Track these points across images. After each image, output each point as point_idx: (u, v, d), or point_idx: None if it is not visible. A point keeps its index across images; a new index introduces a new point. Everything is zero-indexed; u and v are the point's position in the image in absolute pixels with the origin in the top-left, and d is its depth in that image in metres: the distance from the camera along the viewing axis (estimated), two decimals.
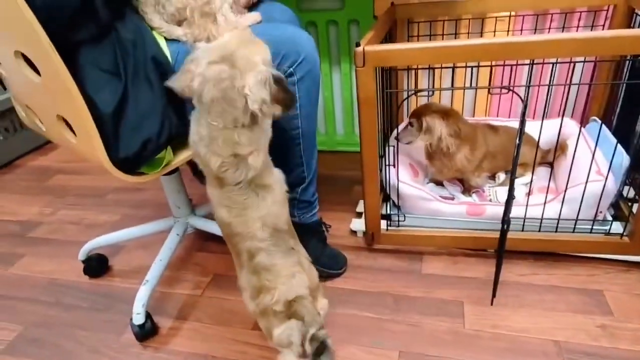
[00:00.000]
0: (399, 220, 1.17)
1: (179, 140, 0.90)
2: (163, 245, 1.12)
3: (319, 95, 1.01)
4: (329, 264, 1.13)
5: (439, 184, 1.34)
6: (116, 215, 1.50)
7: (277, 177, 0.76)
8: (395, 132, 1.21)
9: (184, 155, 0.90)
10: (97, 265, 1.22)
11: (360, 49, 0.92)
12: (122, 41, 0.77)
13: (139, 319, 0.98)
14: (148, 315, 1.00)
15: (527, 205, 1.07)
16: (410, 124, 1.17)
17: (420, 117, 1.14)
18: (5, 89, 0.94)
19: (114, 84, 0.76)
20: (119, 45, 0.76)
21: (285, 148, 1.00)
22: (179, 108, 0.85)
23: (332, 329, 0.98)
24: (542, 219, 1.08)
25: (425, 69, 1.39)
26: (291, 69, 0.92)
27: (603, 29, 1.28)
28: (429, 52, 0.90)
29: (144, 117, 0.78)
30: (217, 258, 1.25)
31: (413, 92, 1.00)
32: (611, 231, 1.06)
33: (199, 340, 1.00)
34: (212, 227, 1.19)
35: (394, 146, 1.10)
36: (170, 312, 1.08)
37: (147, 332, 0.99)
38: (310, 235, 1.10)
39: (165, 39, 0.86)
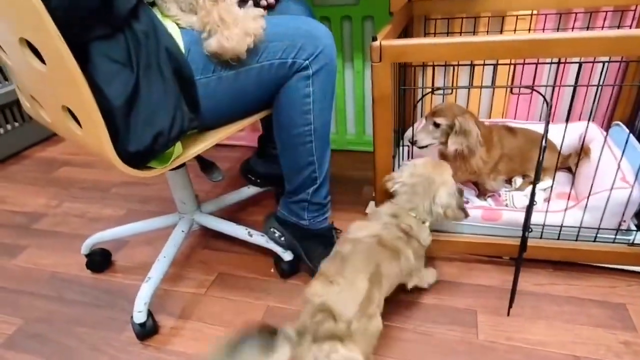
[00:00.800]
0: None
1: (191, 134, 0.87)
2: (167, 241, 1.09)
3: (334, 91, 0.97)
4: None
5: None
6: (121, 209, 1.48)
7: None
8: (409, 132, 1.17)
9: (193, 150, 0.86)
10: (100, 260, 1.20)
11: (377, 43, 0.88)
12: (134, 32, 0.74)
13: (140, 317, 0.95)
14: (149, 314, 0.98)
15: (546, 212, 1.02)
16: (435, 124, 1.09)
17: (452, 118, 1.07)
18: (6, 79, 0.91)
19: (126, 75, 0.73)
20: (131, 36, 0.74)
21: (295, 145, 0.96)
22: (192, 100, 0.82)
23: None
24: (561, 227, 1.03)
25: (442, 66, 1.35)
26: (307, 62, 0.88)
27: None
28: (450, 48, 0.85)
29: (156, 110, 0.75)
30: (223, 256, 1.22)
31: (430, 90, 0.96)
32: (635, 242, 1.01)
33: (201, 340, 0.96)
34: (218, 225, 1.17)
35: (408, 146, 1.06)
36: (172, 311, 1.05)
37: (148, 331, 0.97)
38: (319, 242, 1.06)
39: (180, 28, 0.83)
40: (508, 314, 0.96)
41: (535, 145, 1.19)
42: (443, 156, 1.19)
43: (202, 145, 0.87)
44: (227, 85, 0.85)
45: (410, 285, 0.96)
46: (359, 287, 0.75)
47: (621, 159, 0.99)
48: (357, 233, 0.85)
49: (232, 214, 1.38)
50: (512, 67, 1.33)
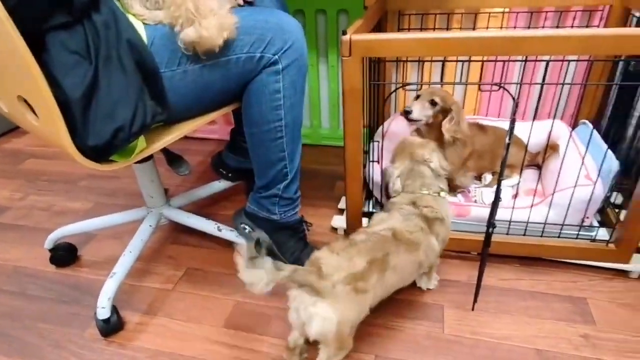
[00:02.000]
0: None
1: (156, 126, 0.85)
2: (134, 236, 1.06)
3: (305, 87, 0.96)
4: None
5: None
6: (89, 203, 1.44)
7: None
8: (379, 130, 1.17)
9: (158, 143, 0.84)
10: (65, 255, 1.17)
11: (347, 37, 0.87)
12: (93, 23, 0.71)
13: (103, 313, 0.93)
14: (114, 310, 0.95)
15: (513, 208, 1.04)
16: (432, 102, 1.10)
17: (449, 102, 1.10)
18: None
19: (84, 67, 0.70)
20: (90, 26, 0.71)
21: (266, 141, 0.95)
22: (157, 93, 0.79)
23: None
24: (527, 223, 1.05)
25: (415, 61, 1.35)
26: (276, 57, 0.87)
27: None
28: (420, 43, 0.85)
29: (117, 103, 0.73)
30: (192, 251, 1.20)
31: (400, 85, 0.96)
32: (597, 237, 1.04)
33: (167, 337, 0.95)
34: (187, 219, 1.15)
35: (378, 142, 1.06)
36: (138, 307, 1.03)
37: (112, 327, 0.94)
38: (289, 235, 1.06)
39: (145, 24, 0.80)
40: (473, 309, 0.97)
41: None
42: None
43: (167, 138, 0.85)
44: (192, 79, 0.83)
45: (424, 286, 1.03)
46: (355, 263, 0.76)
47: (584, 156, 1.02)
48: (376, 227, 0.86)
49: (202, 208, 1.36)
50: (483, 64, 1.34)
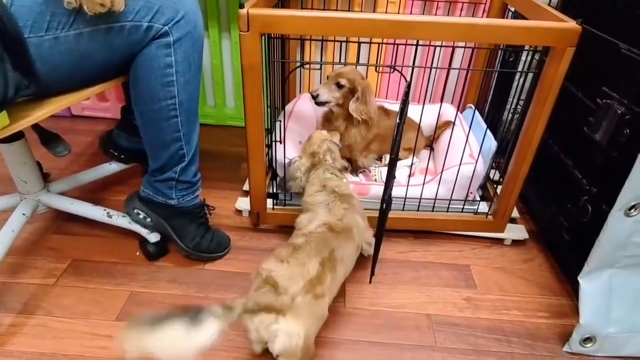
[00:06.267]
0: (285, 199, 1.13)
1: (22, 101, 0.74)
2: (3, 226, 0.93)
3: (201, 62, 0.90)
4: (210, 248, 1.05)
5: None
6: None
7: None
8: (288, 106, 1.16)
9: (24, 120, 0.74)
10: None
11: (244, 10, 0.84)
12: None
13: None
14: None
15: (407, 186, 1.10)
16: (338, 85, 1.10)
17: (354, 82, 1.10)
18: None
19: None
20: None
21: (158, 120, 0.89)
22: (23, 63, 0.69)
23: None
24: (420, 199, 1.12)
25: (318, 40, 1.35)
26: (166, 27, 0.80)
27: None
28: (317, 22, 0.85)
29: None
30: (78, 241, 1.09)
31: (300, 64, 0.95)
32: (479, 210, 1.15)
33: (47, 337, 0.85)
34: (69, 206, 1.04)
35: (280, 121, 1.05)
36: (11, 306, 0.91)
37: None
38: (189, 220, 1.01)
39: None
40: (370, 282, 1.02)
41: (406, 127, 1.27)
42: (327, 119, 1.21)
43: (37, 114, 0.74)
44: (66, 48, 0.73)
45: (366, 253, 1.04)
46: (309, 268, 0.74)
47: (467, 136, 1.11)
48: (309, 226, 0.84)
49: (92, 193, 1.24)
50: (382, 47, 1.39)
